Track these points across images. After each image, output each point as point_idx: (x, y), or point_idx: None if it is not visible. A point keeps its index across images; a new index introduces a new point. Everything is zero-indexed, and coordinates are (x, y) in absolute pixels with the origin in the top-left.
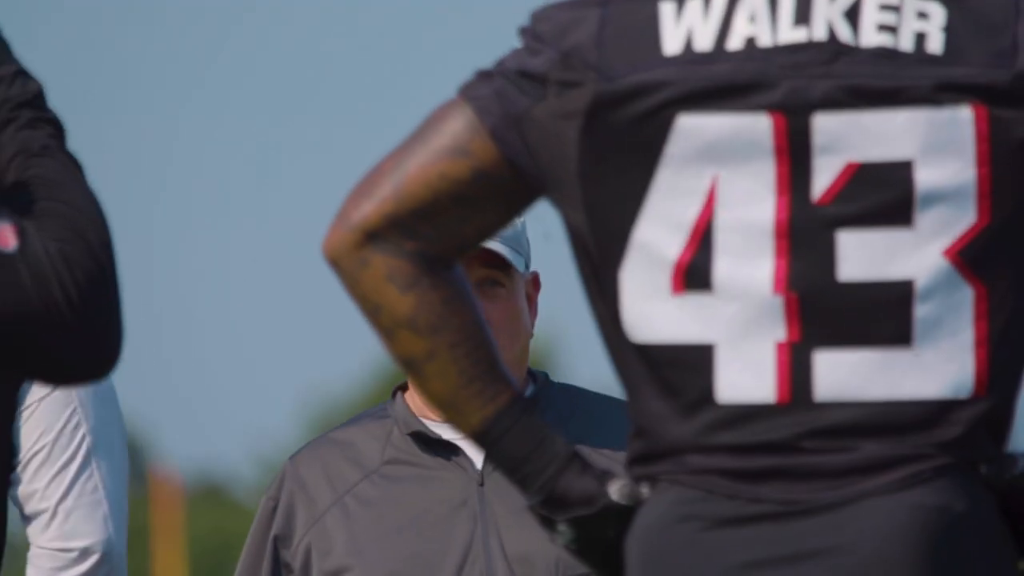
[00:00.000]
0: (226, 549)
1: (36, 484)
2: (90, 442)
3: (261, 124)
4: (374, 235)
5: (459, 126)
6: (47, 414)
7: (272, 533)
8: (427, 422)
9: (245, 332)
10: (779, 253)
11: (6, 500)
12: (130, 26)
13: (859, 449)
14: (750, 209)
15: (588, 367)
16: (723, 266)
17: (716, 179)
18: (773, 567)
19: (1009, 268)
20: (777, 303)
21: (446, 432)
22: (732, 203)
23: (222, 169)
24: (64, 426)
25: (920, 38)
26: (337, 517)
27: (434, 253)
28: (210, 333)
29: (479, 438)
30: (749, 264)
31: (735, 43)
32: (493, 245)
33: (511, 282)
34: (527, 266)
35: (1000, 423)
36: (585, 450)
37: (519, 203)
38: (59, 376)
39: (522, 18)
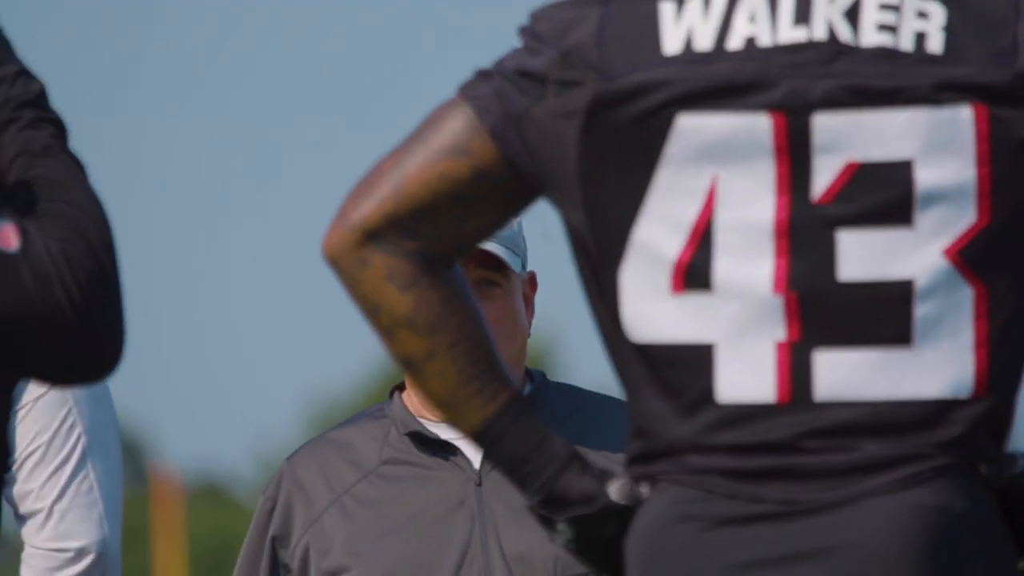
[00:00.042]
0: (226, 548)
1: (31, 484)
2: (85, 442)
3: (261, 124)
4: (374, 235)
5: (458, 126)
6: (43, 414)
7: (270, 534)
8: (425, 422)
9: (245, 332)
10: (779, 253)
11: (0, 500)
12: (130, 26)
13: (859, 449)
14: (750, 209)
15: (587, 367)
16: (723, 266)
17: (716, 179)
18: (773, 567)
19: (1009, 268)
20: (777, 303)
21: (444, 432)
22: (732, 203)
23: (222, 169)
24: (60, 426)
25: (920, 38)
26: (335, 517)
27: (433, 253)
28: (210, 333)
29: (479, 438)
30: (749, 264)
31: (735, 43)
32: (489, 246)
33: (508, 282)
34: (524, 266)
35: (1000, 423)
36: (582, 450)
37: (519, 203)
38: (61, 376)
39: (522, 18)
